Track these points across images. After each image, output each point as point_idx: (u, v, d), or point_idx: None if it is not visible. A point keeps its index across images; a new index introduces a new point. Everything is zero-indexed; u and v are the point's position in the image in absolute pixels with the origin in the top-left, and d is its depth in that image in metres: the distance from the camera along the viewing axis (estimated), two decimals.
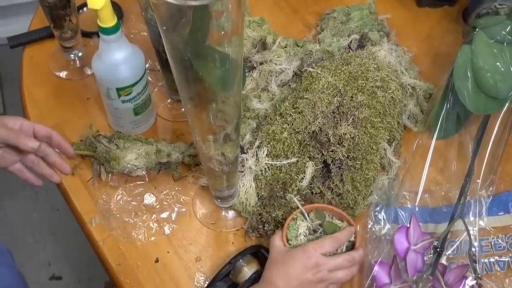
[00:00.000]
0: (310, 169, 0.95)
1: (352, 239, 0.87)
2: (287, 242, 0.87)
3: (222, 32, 0.66)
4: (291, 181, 0.94)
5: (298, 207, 0.90)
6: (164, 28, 0.65)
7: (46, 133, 0.89)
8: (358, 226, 0.93)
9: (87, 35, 1.18)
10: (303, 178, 0.94)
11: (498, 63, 0.98)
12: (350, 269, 0.84)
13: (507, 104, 0.99)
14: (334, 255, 0.84)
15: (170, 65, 0.74)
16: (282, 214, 0.92)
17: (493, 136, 0.99)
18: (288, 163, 0.95)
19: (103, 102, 1.03)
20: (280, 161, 0.95)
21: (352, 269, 0.84)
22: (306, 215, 0.89)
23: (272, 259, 0.84)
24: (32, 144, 0.84)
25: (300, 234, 0.87)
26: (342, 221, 0.89)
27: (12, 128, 0.86)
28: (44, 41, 1.20)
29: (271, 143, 0.97)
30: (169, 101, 1.12)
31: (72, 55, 1.16)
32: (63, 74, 1.16)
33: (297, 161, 0.95)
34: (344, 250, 0.86)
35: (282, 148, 0.96)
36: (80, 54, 1.17)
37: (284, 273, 0.81)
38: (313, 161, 0.95)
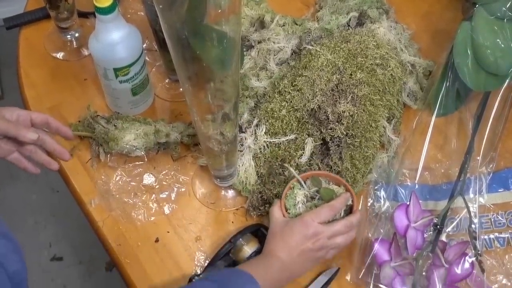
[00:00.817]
0: (309, 145, 0.95)
1: (350, 203, 0.88)
2: (286, 211, 0.87)
3: (220, 11, 0.66)
4: (290, 158, 0.94)
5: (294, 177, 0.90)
6: (161, 6, 0.65)
7: (43, 120, 0.90)
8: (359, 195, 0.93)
9: (83, 15, 1.17)
10: (302, 155, 0.94)
11: (498, 40, 0.98)
12: (349, 234, 0.85)
13: (507, 81, 0.99)
14: (333, 221, 0.84)
15: (167, 44, 0.73)
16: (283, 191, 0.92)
17: (493, 113, 0.99)
18: (287, 140, 0.95)
19: (101, 82, 1.03)
20: (279, 139, 0.95)
21: (351, 233, 0.85)
22: (302, 183, 0.89)
23: (272, 232, 0.85)
24: (31, 136, 0.85)
25: (298, 202, 0.87)
26: (339, 186, 0.89)
27: (10, 120, 0.86)
28: (40, 22, 1.19)
29: (270, 121, 0.96)
30: (167, 81, 1.12)
31: (68, 36, 1.16)
32: (60, 55, 1.16)
33: (296, 138, 0.95)
34: (342, 214, 0.87)
35: (281, 125, 0.96)
36: (76, 34, 1.16)
37: (284, 244, 0.82)
38: (312, 137, 0.95)
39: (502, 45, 0.97)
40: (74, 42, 1.16)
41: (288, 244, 0.82)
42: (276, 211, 0.87)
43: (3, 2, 2.23)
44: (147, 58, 1.09)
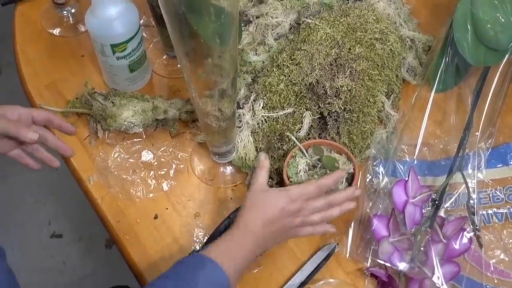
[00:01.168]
0: (308, 119, 0.95)
1: (351, 171, 0.88)
2: (288, 179, 0.87)
3: None
4: (288, 132, 0.94)
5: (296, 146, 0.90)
6: None
7: (45, 118, 0.90)
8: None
9: None
10: (300, 129, 0.94)
11: (498, 14, 0.97)
12: (327, 212, 0.82)
13: (507, 56, 0.98)
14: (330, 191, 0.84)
15: (165, 20, 0.73)
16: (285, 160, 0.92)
17: (492, 88, 0.98)
18: (285, 114, 0.95)
19: (98, 59, 1.02)
20: (277, 113, 0.95)
21: (330, 212, 0.82)
22: (304, 151, 0.89)
23: (250, 201, 0.80)
24: (31, 136, 0.85)
25: (300, 170, 0.88)
26: (341, 155, 0.90)
27: (11, 119, 0.86)
28: None
29: (267, 95, 0.96)
30: (164, 57, 1.11)
31: (64, 12, 1.15)
32: (56, 31, 1.15)
33: (294, 111, 0.95)
34: (344, 183, 0.87)
35: (279, 100, 0.95)
36: (73, 10, 1.15)
37: (263, 218, 0.78)
38: (310, 111, 0.95)
39: (502, 20, 0.97)
40: (71, 18, 1.16)
41: (267, 218, 0.78)
42: (261, 177, 0.83)
43: None
44: (144, 34, 1.09)
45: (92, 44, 0.99)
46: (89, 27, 0.95)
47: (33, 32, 1.14)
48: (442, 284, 0.82)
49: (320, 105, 0.95)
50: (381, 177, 0.93)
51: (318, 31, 0.99)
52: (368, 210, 0.91)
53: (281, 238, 0.82)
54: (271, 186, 0.93)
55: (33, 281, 1.82)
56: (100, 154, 1.00)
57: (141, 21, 1.11)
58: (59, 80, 1.08)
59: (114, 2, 0.93)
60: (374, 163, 0.95)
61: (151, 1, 0.99)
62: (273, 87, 0.96)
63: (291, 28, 1.06)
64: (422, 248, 0.84)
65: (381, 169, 0.94)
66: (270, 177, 0.93)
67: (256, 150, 0.96)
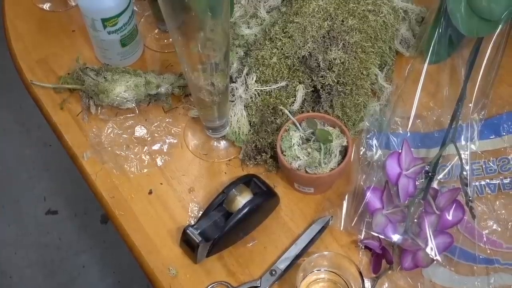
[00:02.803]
0: (301, 92, 0.94)
1: (345, 143, 0.88)
2: (282, 153, 0.87)
3: None
4: (281, 105, 0.94)
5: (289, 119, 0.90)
6: None
7: None
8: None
9: None
10: (293, 102, 0.94)
11: None
12: None
13: (500, 26, 0.98)
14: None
15: None
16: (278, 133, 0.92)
17: (485, 59, 0.98)
18: (278, 87, 0.94)
19: (89, 34, 1.01)
20: (270, 86, 0.94)
21: None
22: (298, 125, 0.89)
23: None
24: None
25: (294, 144, 0.87)
26: (334, 128, 0.89)
27: None
28: None
29: (260, 68, 0.96)
30: (156, 31, 1.10)
31: None
32: (46, 6, 1.13)
33: (287, 85, 0.95)
34: (337, 155, 0.87)
35: (271, 73, 0.95)
36: None
37: None
38: (303, 85, 0.94)
39: None
40: None
41: None
42: None
43: None
44: (135, 8, 1.07)
45: (82, 19, 0.98)
46: (80, 1, 0.94)
47: (23, 7, 1.13)
48: (436, 255, 0.82)
49: (313, 78, 0.94)
50: (374, 150, 0.93)
51: (311, 3, 0.98)
52: (362, 183, 0.91)
53: None
54: (264, 161, 0.93)
55: (30, 257, 1.83)
56: (93, 130, 0.99)
57: None
58: (50, 56, 1.07)
59: None
60: (368, 136, 0.95)
61: None
62: (265, 61, 0.95)
63: (283, 0, 1.05)
64: (415, 220, 0.85)
65: (374, 142, 0.94)
66: (264, 151, 0.93)
67: (250, 124, 0.95)
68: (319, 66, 0.93)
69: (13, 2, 1.14)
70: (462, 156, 0.89)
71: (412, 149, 0.89)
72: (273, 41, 0.97)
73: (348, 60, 0.93)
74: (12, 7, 1.13)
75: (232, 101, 0.96)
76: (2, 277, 1.79)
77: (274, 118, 0.94)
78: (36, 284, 1.81)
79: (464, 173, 0.88)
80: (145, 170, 0.96)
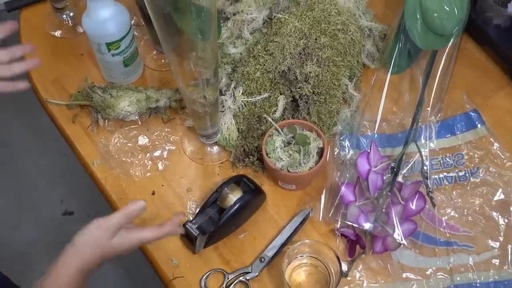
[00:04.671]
0: (282, 102, 0.94)
1: (321, 145, 0.88)
2: (267, 155, 0.87)
3: None
4: (265, 114, 0.94)
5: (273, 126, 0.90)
6: None
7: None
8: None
9: None
10: (275, 111, 0.94)
11: (443, 4, 0.97)
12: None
13: (452, 40, 0.99)
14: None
15: (151, 19, 0.72)
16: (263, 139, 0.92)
17: (440, 69, 0.99)
18: (262, 98, 0.95)
19: (96, 56, 1.01)
20: (255, 98, 0.95)
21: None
22: (280, 130, 0.90)
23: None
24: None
25: (277, 147, 0.88)
26: (311, 132, 0.90)
27: None
28: (38, 4, 1.16)
29: (246, 82, 0.96)
30: (154, 52, 1.10)
31: (64, 16, 1.13)
32: (58, 33, 1.13)
33: (270, 96, 0.95)
34: (315, 156, 0.87)
35: (256, 86, 0.95)
36: (71, 14, 1.13)
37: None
38: (284, 95, 0.95)
39: (447, 9, 0.97)
40: (70, 21, 1.14)
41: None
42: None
43: None
44: (135, 33, 1.07)
45: (90, 44, 0.98)
46: (86, 29, 0.94)
47: (37, 35, 1.12)
48: (402, 240, 0.83)
49: (292, 89, 0.94)
50: (347, 150, 0.94)
51: (288, 24, 0.98)
52: (337, 179, 0.91)
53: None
54: (252, 163, 0.93)
55: (50, 254, 1.82)
56: (102, 140, 0.99)
57: (132, 21, 1.09)
58: (62, 76, 1.06)
59: (107, 5, 0.91)
60: (341, 138, 0.95)
61: (140, 3, 0.97)
62: (250, 75, 0.96)
63: (264, 22, 1.05)
64: (384, 210, 0.85)
65: (347, 143, 0.94)
66: (251, 154, 0.93)
67: (238, 131, 0.95)
68: (297, 78, 0.93)
69: (28, 31, 1.13)
70: (423, 153, 0.90)
71: (379, 148, 0.89)
72: (256, 58, 0.97)
73: (321, 73, 0.93)
74: (28, 35, 1.12)
75: (222, 111, 0.96)
76: (25, 272, 1.78)
77: (259, 125, 0.94)
78: None
79: (425, 168, 0.88)
80: (148, 174, 0.95)
